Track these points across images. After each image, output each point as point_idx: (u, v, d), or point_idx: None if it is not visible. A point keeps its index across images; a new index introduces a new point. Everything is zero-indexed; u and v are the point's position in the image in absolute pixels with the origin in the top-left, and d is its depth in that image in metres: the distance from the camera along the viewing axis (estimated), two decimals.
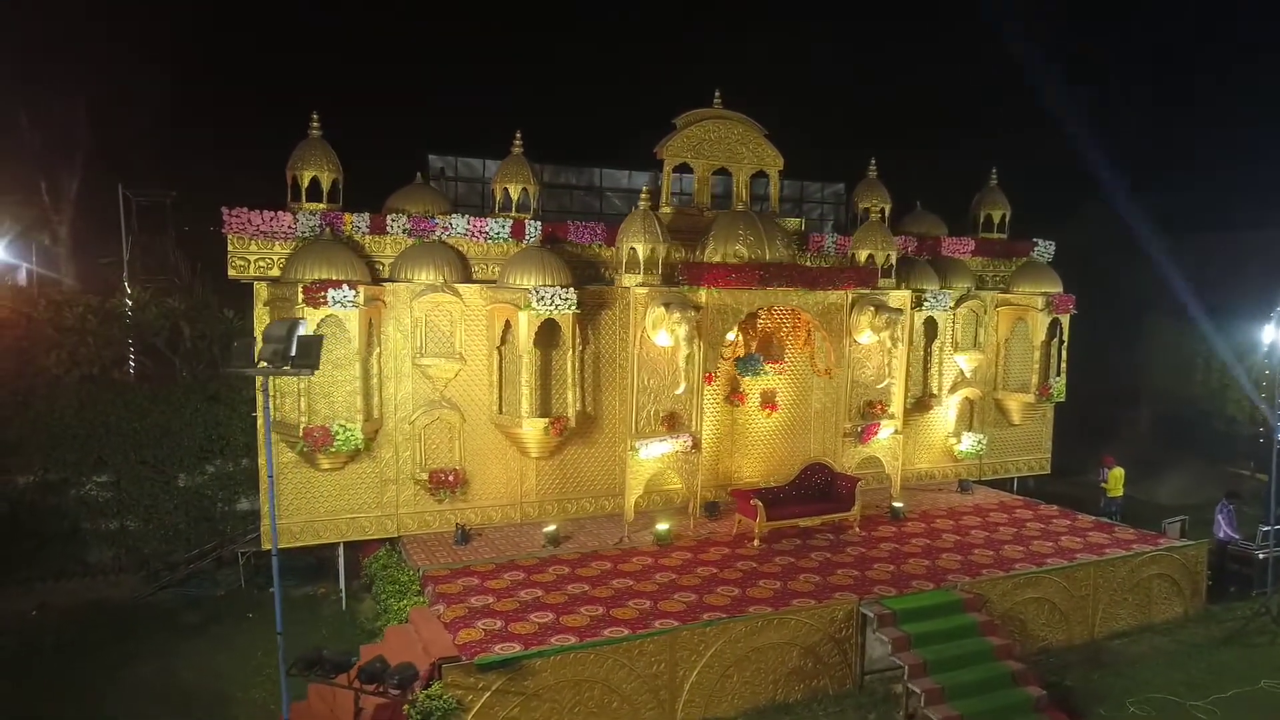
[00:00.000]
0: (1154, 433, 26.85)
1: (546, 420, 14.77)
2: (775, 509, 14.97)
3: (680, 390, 14.55)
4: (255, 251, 14.17)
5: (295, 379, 13.52)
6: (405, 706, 10.03)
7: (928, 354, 18.35)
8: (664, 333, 14.43)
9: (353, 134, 19.68)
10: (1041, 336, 18.73)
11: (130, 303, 16.97)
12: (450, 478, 14.87)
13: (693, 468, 15.20)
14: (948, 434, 19.11)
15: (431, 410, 14.91)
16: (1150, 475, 24.49)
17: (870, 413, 16.52)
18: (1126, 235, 27.34)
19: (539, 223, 15.70)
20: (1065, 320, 18.99)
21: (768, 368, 16.63)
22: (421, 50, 25.41)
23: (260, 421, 9.56)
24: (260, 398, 9.59)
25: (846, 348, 16.17)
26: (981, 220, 20.09)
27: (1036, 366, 18.90)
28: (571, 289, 14.61)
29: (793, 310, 16.37)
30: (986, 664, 11.94)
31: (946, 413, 19.05)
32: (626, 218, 15.32)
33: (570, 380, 15.05)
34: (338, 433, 13.62)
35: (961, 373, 18.99)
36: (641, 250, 14.85)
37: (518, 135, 16.07)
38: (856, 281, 16.04)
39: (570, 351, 14.96)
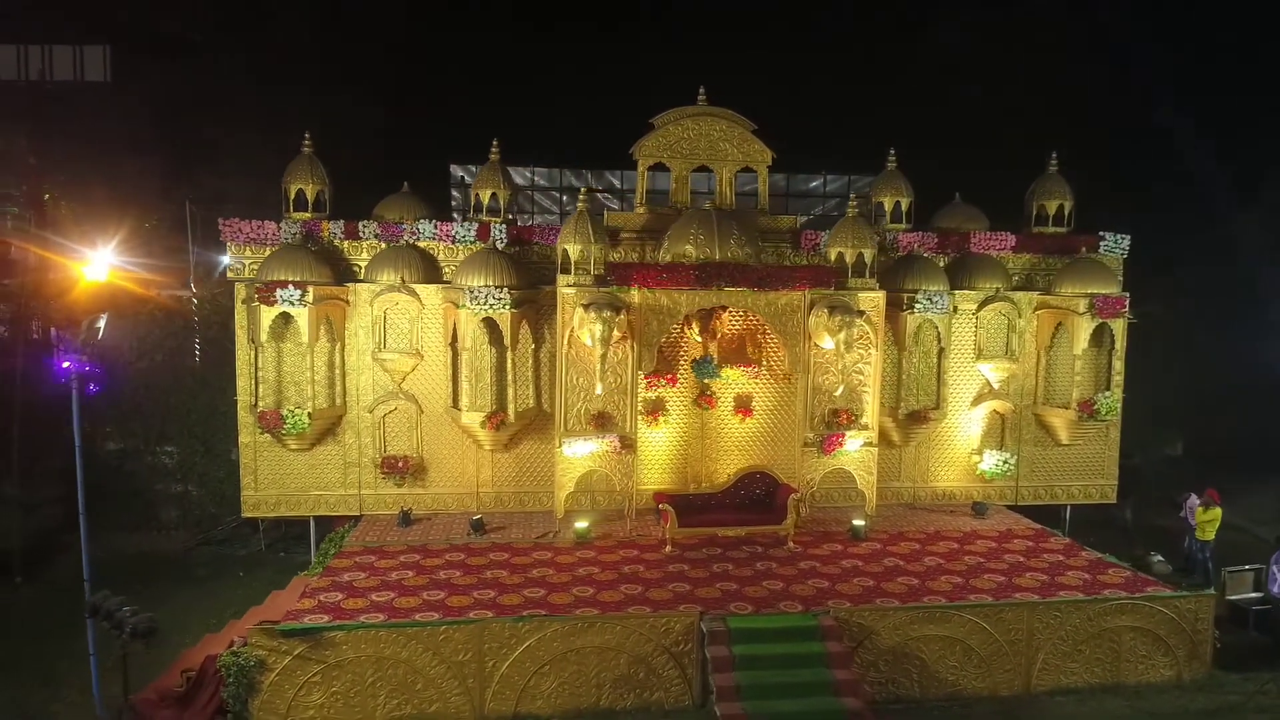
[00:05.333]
0: None
1: (483, 414, 15.45)
2: (695, 516, 14.51)
3: (598, 391, 14.57)
4: (249, 256, 16.19)
5: (266, 367, 15.45)
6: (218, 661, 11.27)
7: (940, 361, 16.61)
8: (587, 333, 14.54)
9: (389, 153, 21.52)
10: (1083, 344, 16.27)
11: (195, 302, 19.93)
12: (401, 464, 16.00)
13: (626, 468, 15.11)
14: (971, 451, 17.17)
15: (390, 401, 16.13)
16: None
17: (835, 422, 15.38)
18: None
19: (504, 226, 16.39)
20: (1118, 326, 16.34)
21: (723, 371, 16.01)
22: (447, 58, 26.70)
23: (74, 407, 11.16)
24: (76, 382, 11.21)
25: (805, 351, 15.20)
26: (1035, 213, 17.81)
27: (1077, 379, 16.45)
28: (506, 289, 15.13)
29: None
30: (818, 697, 10.94)
31: (969, 428, 17.12)
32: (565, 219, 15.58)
33: (511, 377, 15.58)
34: (287, 417, 15.25)
35: (988, 384, 16.97)
36: (573, 251, 15.03)
37: (494, 143, 16.88)
38: (811, 281, 15.03)
39: (511, 350, 15.50)
